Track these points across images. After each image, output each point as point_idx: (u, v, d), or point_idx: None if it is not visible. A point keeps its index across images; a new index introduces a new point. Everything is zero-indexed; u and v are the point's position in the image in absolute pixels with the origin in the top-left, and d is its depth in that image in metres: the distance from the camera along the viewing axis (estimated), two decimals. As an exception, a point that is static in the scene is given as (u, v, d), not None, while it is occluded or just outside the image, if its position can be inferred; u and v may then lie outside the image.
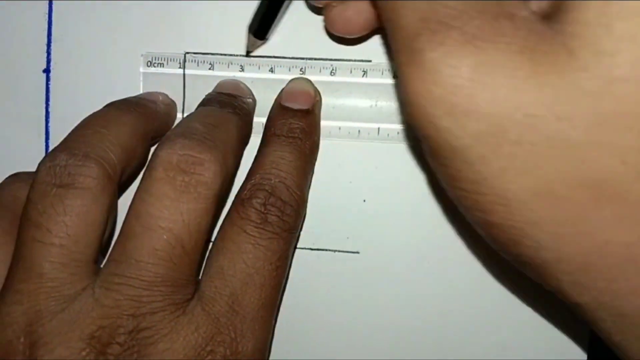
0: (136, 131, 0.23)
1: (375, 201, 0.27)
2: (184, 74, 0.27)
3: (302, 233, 0.27)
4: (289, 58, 0.26)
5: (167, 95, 0.26)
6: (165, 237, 0.20)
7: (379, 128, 0.26)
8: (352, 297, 0.27)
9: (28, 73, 0.27)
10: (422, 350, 0.27)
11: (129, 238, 0.20)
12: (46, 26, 0.27)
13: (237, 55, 0.26)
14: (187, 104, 0.27)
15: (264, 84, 0.26)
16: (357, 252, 0.27)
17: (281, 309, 0.27)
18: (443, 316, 0.27)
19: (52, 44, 0.27)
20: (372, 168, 0.27)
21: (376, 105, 0.26)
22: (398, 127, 0.26)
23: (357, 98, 0.26)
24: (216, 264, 0.22)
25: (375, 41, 0.26)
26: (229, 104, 0.25)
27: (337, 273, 0.27)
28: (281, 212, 0.22)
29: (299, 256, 0.27)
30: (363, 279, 0.27)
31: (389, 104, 0.26)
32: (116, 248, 0.21)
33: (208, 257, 0.23)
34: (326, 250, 0.27)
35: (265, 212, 0.22)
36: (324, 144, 0.26)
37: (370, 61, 0.26)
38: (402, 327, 0.27)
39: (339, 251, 0.27)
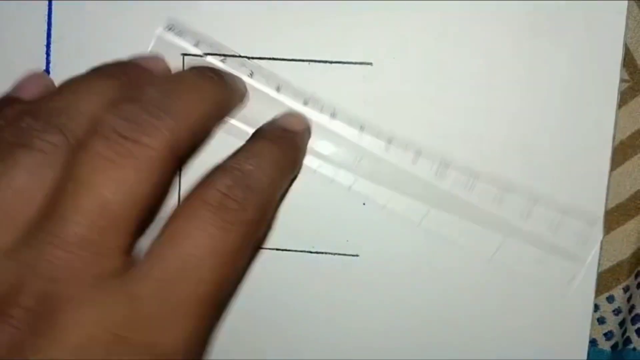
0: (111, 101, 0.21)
1: (375, 204, 0.27)
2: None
3: (301, 235, 0.27)
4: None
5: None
6: (92, 198, 0.19)
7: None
8: (351, 300, 0.27)
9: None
10: (421, 353, 0.27)
11: (60, 194, 0.19)
12: (46, 26, 0.27)
13: (250, 58, 0.26)
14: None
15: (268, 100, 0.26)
16: (357, 255, 0.27)
17: (279, 311, 0.27)
18: (443, 319, 0.27)
19: (52, 45, 0.27)
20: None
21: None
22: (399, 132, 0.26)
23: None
24: (156, 243, 0.20)
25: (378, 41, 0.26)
26: (210, 74, 0.23)
27: (336, 276, 0.27)
28: (245, 201, 0.20)
29: (297, 259, 0.27)
30: (362, 282, 0.27)
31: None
32: (49, 205, 0.19)
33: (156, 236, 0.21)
34: (325, 253, 0.27)
35: (226, 196, 0.20)
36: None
37: (370, 64, 0.26)
38: (402, 329, 0.27)
39: (338, 254, 0.27)
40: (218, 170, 0.21)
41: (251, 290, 0.27)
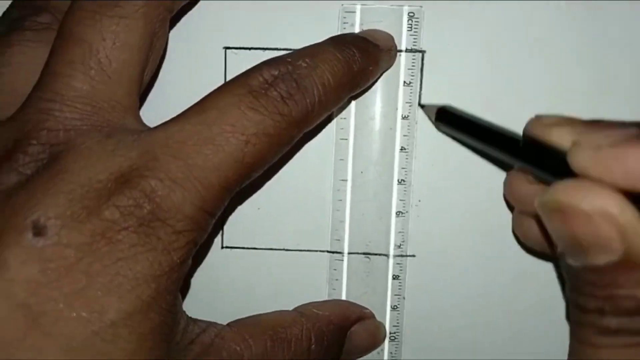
0: None
1: (431, 202, 0.25)
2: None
3: (355, 238, 0.25)
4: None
5: None
6: (80, 50, 0.19)
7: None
8: (409, 300, 0.26)
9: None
10: (481, 351, 0.26)
11: (52, 53, 0.19)
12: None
13: (280, 49, 0.25)
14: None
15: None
16: (413, 256, 0.26)
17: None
18: (501, 316, 0.26)
19: None
20: (428, 166, 0.25)
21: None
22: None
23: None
24: (185, 110, 0.19)
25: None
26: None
27: (394, 277, 0.26)
28: (288, 95, 0.19)
29: (351, 261, 0.26)
30: (420, 282, 0.26)
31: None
32: (44, 68, 0.20)
33: None
34: (381, 255, 0.26)
35: (269, 85, 0.19)
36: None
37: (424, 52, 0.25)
38: (462, 328, 0.26)
39: (395, 256, 0.26)
40: (271, 60, 0.20)
41: (307, 293, 0.26)
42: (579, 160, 0.15)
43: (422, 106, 0.25)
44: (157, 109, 0.25)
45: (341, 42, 0.22)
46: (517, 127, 0.24)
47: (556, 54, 0.24)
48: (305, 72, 0.20)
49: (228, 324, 0.22)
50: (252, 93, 0.19)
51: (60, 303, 0.16)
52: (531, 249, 0.25)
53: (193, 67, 0.25)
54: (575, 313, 0.17)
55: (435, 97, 0.25)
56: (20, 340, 0.16)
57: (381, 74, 0.24)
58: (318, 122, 0.21)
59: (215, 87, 0.20)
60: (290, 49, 0.24)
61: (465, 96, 0.25)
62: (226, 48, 0.25)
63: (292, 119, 0.20)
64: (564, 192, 0.15)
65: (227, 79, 0.25)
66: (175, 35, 0.25)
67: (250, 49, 0.25)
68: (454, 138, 0.25)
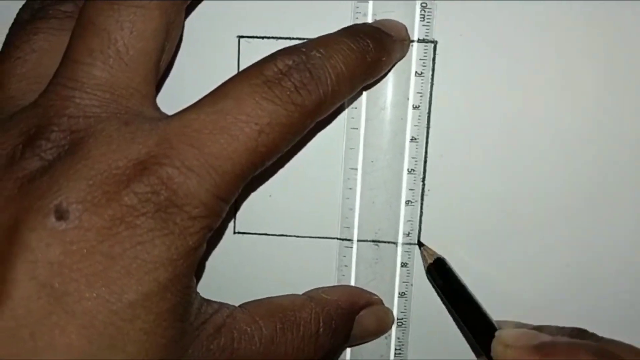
0: None
1: (440, 190, 0.26)
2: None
3: (365, 225, 0.26)
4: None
5: None
6: (99, 37, 0.19)
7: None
8: (417, 287, 0.26)
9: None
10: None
11: (71, 41, 0.20)
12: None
13: (293, 39, 0.25)
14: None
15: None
16: (422, 244, 0.26)
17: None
18: (507, 304, 0.26)
19: None
20: (436, 156, 0.26)
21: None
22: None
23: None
24: (200, 99, 0.20)
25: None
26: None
27: (402, 264, 0.26)
28: (301, 85, 0.20)
29: (360, 248, 0.26)
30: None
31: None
32: (64, 56, 0.20)
33: None
34: (390, 242, 0.26)
35: (283, 75, 0.20)
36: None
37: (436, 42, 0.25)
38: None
39: (404, 244, 0.26)
40: (285, 49, 0.21)
41: (317, 279, 0.26)
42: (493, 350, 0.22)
43: (420, 245, 0.26)
44: (172, 97, 0.25)
45: (355, 32, 0.22)
46: (526, 120, 0.24)
47: (568, 44, 0.24)
48: (319, 62, 0.20)
49: (240, 306, 0.22)
50: (266, 83, 0.19)
51: (81, 284, 0.16)
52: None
53: (207, 56, 0.26)
54: None
55: (447, 87, 0.25)
56: (44, 318, 0.16)
57: (394, 65, 0.25)
58: (331, 111, 0.22)
59: (228, 75, 0.20)
60: (303, 39, 0.24)
61: (477, 87, 0.25)
62: (240, 37, 0.25)
63: (305, 108, 0.20)
64: None
65: (241, 68, 0.25)
66: (190, 24, 0.25)
67: (263, 37, 0.25)
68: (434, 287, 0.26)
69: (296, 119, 0.20)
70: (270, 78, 0.20)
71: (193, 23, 0.25)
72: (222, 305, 0.21)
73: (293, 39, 0.25)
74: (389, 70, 0.25)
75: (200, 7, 0.25)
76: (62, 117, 0.19)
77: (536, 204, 0.25)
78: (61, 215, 0.17)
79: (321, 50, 0.21)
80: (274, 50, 0.21)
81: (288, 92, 0.19)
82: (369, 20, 0.25)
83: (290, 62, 0.20)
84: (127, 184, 0.18)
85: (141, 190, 0.18)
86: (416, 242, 0.26)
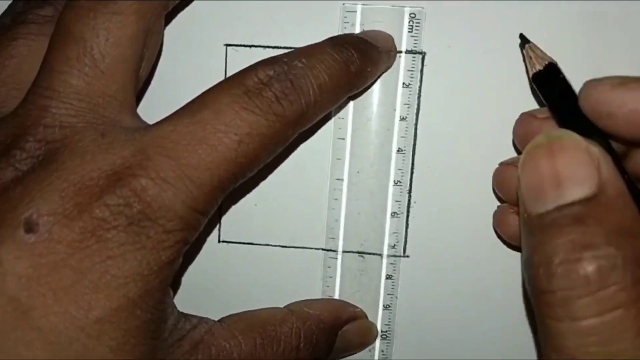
0: None
1: (426, 203, 0.25)
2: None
3: (350, 237, 0.26)
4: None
5: None
6: (75, 44, 0.19)
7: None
8: (402, 300, 0.26)
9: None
10: (473, 352, 0.26)
11: (49, 49, 0.20)
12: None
13: (281, 48, 0.25)
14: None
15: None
16: (407, 256, 0.26)
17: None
18: (494, 317, 0.26)
19: None
20: (423, 168, 0.25)
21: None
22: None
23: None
24: (179, 109, 0.19)
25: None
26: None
27: (387, 277, 0.26)
28: (282, 95, 0.19)
29: (345, 260, 0.26)
30: (413, 282, 0.26)
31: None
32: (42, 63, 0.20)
33: None
34: (375, 254, 0.26)
35: (264, 85, 0.19)
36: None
37: (424, 53, 0.24)
38: (454, 329, 0.26)
39: (389, 256, 0.26)
40: (267, 59, 0.20)
41: (301, 289, 0.26)
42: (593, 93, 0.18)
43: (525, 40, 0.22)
44: (157, 105, 0.25)
45: (339, 42, 0.22)
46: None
47: (555, 55, 0.24)
48: (301, 72, 0.20)
49: (219, 320, 0.22)
50: (246, 93, 0.19)
51: (49, 298, 0.16)
52: (512, 245, 0.25)
53: (194, 64, 0.25)
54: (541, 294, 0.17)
55: (435, 98, 0.25)
56: (9, 332, 0.16)
57: (380, 75, 0.24)
58: (314, 122, 0.21)
59: (215, 84, 0.20)
60: (291, 47, 0.24)
61: (465, 98, 0.25)
62: (227, 45, 0.25)
63: (287, 119, 0.20)
64: (556, 132, 0.18)
65: (228, 76, 0.25)
66: (176, 32, 0.25)
67: (251, 46, 0.25)
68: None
69: (277, 129, 0.20)
70: (250, 88, 0.19)
71: (180, 31, 0.25)
72: (200, 320, 0.21)
73: (281, 47, 0.25)
74: (375, 81, 0.24)
75: (187, 15, 0.25)
76: (37, 127, 0.19)
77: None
78: (31, 227, 0.17)
79: (304, 60, 0.20)
80: (261, 59, 0.21)
81: (269, 102, 0.19)
82: (357, 30, 0.24)
83: (271, 72, 0.20)
84: (99, 196, 0.17)
85: (113, 202, 0.17)
86: (402, 254, 0.26)
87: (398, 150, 0.25)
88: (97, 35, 0.19)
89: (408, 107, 0.25)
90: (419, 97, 0.25)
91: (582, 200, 0.16)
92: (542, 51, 0.21)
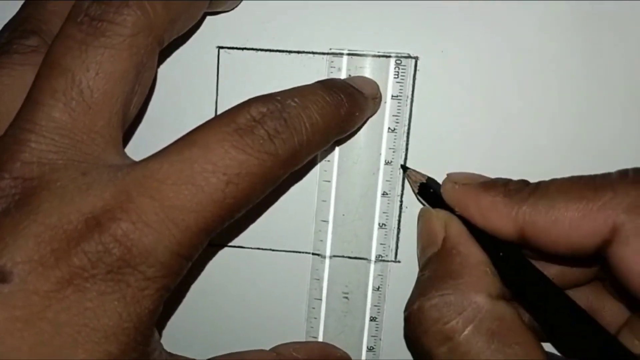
0: None
1: (416, 209, 0.25)
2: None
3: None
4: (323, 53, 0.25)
5: None
6: (63, 77, 0.18)
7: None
8: (392, 305, 0.26)
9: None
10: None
11: (35, 81, 0.19)
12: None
13: (290, 52, 0.25)
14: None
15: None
16: (399, 262, 0.26)
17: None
18: None
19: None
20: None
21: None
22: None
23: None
24: (168, 146, 0.19)
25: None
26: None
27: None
28: (275, 134, 0.19)
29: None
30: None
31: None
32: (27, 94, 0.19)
33: None
34: (364, 259, 0.26)
35: (257, 123, 0.19)
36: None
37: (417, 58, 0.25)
38: None
39: (381, 260, 0.26)
40: (260, 97, 0.20)
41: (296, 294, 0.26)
42: (443, 191, 0.23)
43: (405, 168, 0.25)
44: (152, 107, 0.25)
45: (329, 86, 0.22)
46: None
47: (550, 57, 0.24)
48: (295, 111, 0.20)
49: None
50: (237, 131, 0.19)
51: (24, 353, 0.16)
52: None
53: (186, 66, 0.25)
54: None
55: (421, 142, 0.25)
56: None
57: (366, 120, 0.25)
58: (305, 162, 0.21)
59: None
60: (283, 51, 0.24)
61: (453, 142, 0.25)
62: (220, 47, 0.25)
63: (279, 158, 0.19)
64: (420, 213, 0.24)
65: (220, 78, 0.25)
66: None
67: (243, 49, 0.25)
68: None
69: (268, 169, 0.19)
70: (242, 125, 0.19)
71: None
72: None
73: (273, 50, 0.25)
74: (362, 126, 0.25)
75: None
76: (15, 163, 0.18)
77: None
78: (4, 277, 0.16)
79: (296, 99, 0.20)
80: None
81: (261, 141, 0.19)
82: (344, 74, 0.25)
83: (264, 110, 0.19)
84: (77, 242, 0.17)
85: (92, 249, 0.17)
86: (385, 297, 0.26)
87: (383, 194, 0.25)
88: (87, 69, 0.18)
89: (393, 152, 0.25)
90: (406, 142, 0.25)
91: (432, 256, 0.22)
92: (420, 173, 0.25)
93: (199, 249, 0.19)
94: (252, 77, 0.25)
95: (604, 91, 0.24)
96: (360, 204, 0.25)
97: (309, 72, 0.25)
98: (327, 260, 0.26)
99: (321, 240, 0.26)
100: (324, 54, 0.25)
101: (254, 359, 0.23)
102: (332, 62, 0.25)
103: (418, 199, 0.25)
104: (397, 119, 0.25)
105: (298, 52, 0.25)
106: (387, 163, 0.25)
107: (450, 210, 0.22)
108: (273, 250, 0.26)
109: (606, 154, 0.24)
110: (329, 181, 0.26)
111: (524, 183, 0.21)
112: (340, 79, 0.24)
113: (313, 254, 0.26)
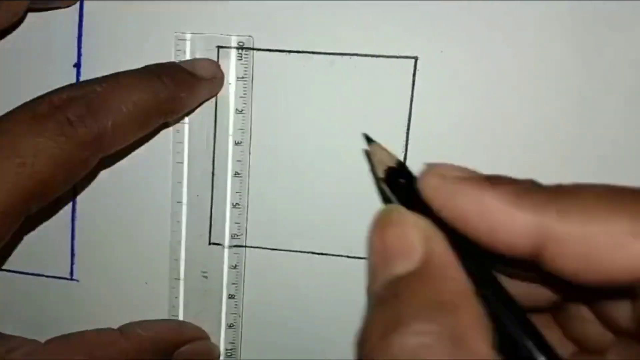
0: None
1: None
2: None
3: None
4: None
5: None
6: None
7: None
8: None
9: (59, 68, 0.26)
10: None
11: None
12: (77, 20, 0.26)
13: (289, 52, 0.25)
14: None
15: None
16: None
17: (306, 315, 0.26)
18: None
19: (83, 38, 0.26)
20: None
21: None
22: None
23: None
24: None
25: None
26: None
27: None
28: (78, 117, 0.20)
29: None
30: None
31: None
32: None
33: None
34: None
35: (57, 108, 0.20)
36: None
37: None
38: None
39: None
40: (67, 85, 0.21)
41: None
42: (425, 186, 0.17)
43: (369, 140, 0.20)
44: None
45: (150, 70, 0.23)
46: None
47: (549, 57, 0.24)
48: (100, 96, 0.20)
49: (46, 342, 0.22)
50: (36, 117, 0.19)
51: None
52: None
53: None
54: None
55: (429, 102, 0.24)
56: None
57: (206, 101, 0.25)
58: (123, 145, 0.22)
59: None
60: (282, 50, 0.25)
61: (458, 103, 0.25)
62: (219, 47, 0.25)
63: (80, 140, 0.20)
64: (387, 211, 0.17)
65: None
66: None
67: (242, 48, 0.25)
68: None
69: (68, 152, 0.20)
70: (41, 112, 0.20)
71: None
72: (22, 342, 0.21)
73: (272, 50, 0.25)
74: (203, 106, 0.25)
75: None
76: None
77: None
78: None
79: (104, 84, 0.21)
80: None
81: (60, 125, 0.19)
82: (188, 57, 0.25)
83: (64, 96, 0.20)
84: None
85: None
86: (242, 274, 0.26)
87: (235, 174, 0.26)
88: None
89: (242, 132, 0.26)
90: (250, 122, 0.26)
91: (405, 274, 0.15)
92: (388, 152, 0.19)
93: (6, 232, 0.19)
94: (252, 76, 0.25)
95: (604, 91, 0.24)
96: (214, 184, 0.26)
97: (308, 71, 0.25)
98: (184, 241, 0.26)
99: (178, 222, 0.26)
100: (324, 54, 0.25)
101: (95, 337, 0.23)
102: (177, 45, 0.25)
103: (379, 186, 0.23)
104: (244, 100, 0.25)
105: (297, 51, 0.25)
106: (236, 144, 0.26)
107: (428, 211, 0.17)
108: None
109: (606, 154, 0.24)
110: (181, 162, 0.26)
111: (535, 183, 0.16)
112: (170, 62, 0.24)
113: (171, 235, 0.27)
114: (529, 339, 0.15)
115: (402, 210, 0.17)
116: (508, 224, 0.15)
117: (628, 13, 0.23)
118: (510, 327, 0.15)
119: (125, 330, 0.24)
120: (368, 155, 0.20)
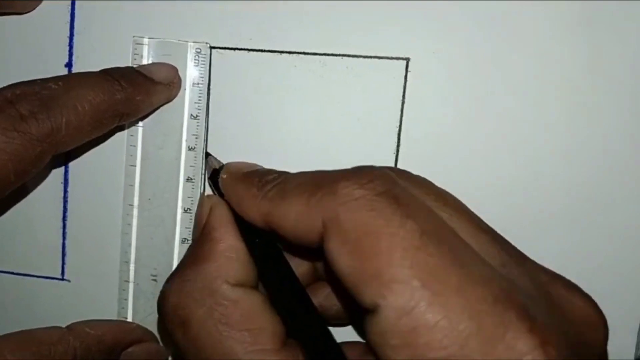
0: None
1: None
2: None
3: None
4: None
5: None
6: None
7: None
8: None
9: (51, 67, 0.26)
10: None
11: None
12: (69, 19, 0.26)
13: (281, 52, 0.25)
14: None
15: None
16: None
17: None
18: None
19: (75, 37, 0.26)
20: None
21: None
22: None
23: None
24: None
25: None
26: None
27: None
28: (30, 113, 0.20)
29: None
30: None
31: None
32: None
33: None
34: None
35: (10, 104, 0.20)
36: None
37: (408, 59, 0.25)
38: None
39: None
40: (23, 81, 0.21)
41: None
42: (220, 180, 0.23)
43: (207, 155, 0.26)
44: None
45: (107, 72, 0.23)
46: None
47: (544, 58, 0.24)
48: (55, 93, 0.21)
49: None
50: None
51: None
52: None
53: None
54: None
55: (419, 104, 0.25)
56: None
57: (162, 105, 0.25)
58: (76, 144, 0.22)
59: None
60: (275, 51, 0.25)
61: (450, 104, 0.25)
62: (212, 47, 0.25)
63: (32, 137, 0.20)
64: (202, 197, 0.23)
65: (212, 78, 0.25)
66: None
67: (235, 49, 0.25)
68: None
69: (19, 147, 0.20)
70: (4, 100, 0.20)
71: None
72: None
73: (265, 51, 0.25)
74: (157, 111, 0.25)
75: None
76: None
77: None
78: None
79: (60, 83, 0.21)
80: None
81: (12, 120, 0.20)
82: (145, 62, 0.25)
83: (18, 91, 0.20)
84: None
85: None
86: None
87: (187, 179, 0.26)
88: None
89: (196, 138, 0.26)
90: (206, 129, 0.26)
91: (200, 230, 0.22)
92: (218, 160, 0.25)
93: None
94: (244, 77, 0.25)
95: (603, 92, 0.24)
96: (165, 188, 0.26)
97: (300, 72, 0.25)
98: (134, 243, 0.27)
99: (129, 224, 0.26)
100: (316, 54, 0.25)
101: (42, 335, 0.23)
102: (135, 49, 0.25)
103: (210, 184, 0.25)
104: (198, 106, 0.26)
105: (290, 52, 0.25)
106: (190, 149, 0.26)
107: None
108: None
109: (605, 154, 0.24)
110: (134, 166, 0.26)
111: (280, 174, 0.21)
112: (127, 66, 0.24)
113: (122, 237, 0.27)
114: (272, 272, 0.21)
115: (211, 196, 0.23)
116: (246, 206, 0.20)
117: (629, 13, 0.23)
118: (262, 266, 0.21)
119: (72, 327, 0.24)
120: (206, 164, 0.26)
